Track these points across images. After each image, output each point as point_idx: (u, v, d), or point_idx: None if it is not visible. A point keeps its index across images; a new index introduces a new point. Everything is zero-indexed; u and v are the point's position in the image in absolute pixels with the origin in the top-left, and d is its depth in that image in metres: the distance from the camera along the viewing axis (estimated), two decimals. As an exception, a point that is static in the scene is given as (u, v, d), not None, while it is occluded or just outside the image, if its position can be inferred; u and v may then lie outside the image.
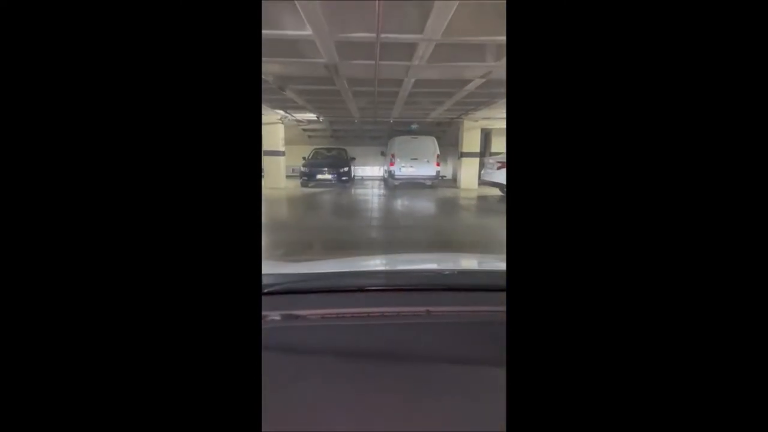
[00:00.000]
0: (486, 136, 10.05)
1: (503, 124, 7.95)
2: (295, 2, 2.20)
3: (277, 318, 0.64)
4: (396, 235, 4.35)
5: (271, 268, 0.86)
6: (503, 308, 0.38)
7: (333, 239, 4.14)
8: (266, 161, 8.42)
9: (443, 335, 0.61)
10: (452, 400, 0.47)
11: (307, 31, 2.66)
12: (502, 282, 0.39)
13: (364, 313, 0.67)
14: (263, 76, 4.00)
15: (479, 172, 8.87)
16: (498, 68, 3.56)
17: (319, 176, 9.20)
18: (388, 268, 1.13)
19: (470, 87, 4.57)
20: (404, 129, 9.56)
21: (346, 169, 9.52)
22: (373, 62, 3.38)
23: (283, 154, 8.89)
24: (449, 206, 6.82)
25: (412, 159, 9.02)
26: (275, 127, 8.44)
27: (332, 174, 9.23)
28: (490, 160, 7.70)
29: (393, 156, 9.11)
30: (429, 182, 9.29)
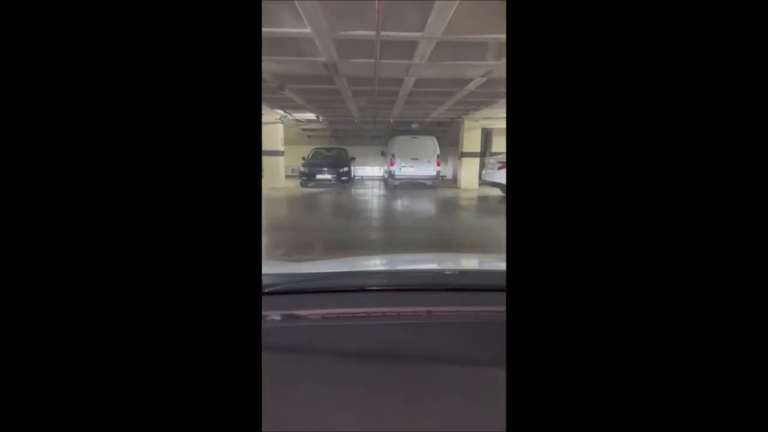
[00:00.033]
0: (486, 135, 10.02)
1: (504, 124, 7.90)
2: (294, 1, 2.16)
3: (278, 318, 0.64)
4: (396, 235, 4.34)
5: (271, 268, 0.86)
6: (503, 308, 0.38)
7: (333, 239, 4.14)
8: (265, 161, 8.38)
9: (444, 335, 0.61)
10: (452, 400, 0.46)
11: (306, 29, 2.62)
12: (502, 282, 0.39)
13: (364, 313, 0.67)
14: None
15: (480, 173, 8.84)
16: (499, 67, 3.53)
17: (319, 176, 9.17)
18: (388, 268, 1.13)
19: (471, 86, 4.53)
20: (404, 129, 9.54)
21: (345, 169, 9.48)
22: (373, 61, 3.35)
23: (282, 154, 8.87)
24: (450, 207, 6.80)
25: (412, 159, 8.99)
26: (274, 127, 8.42)
27: (332, 174, 9.20)
28: (491, 160, 7.68)
29: (393, 156, 9.08)
30: (429, 182, 9.26)
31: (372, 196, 8.02)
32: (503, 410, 0.34)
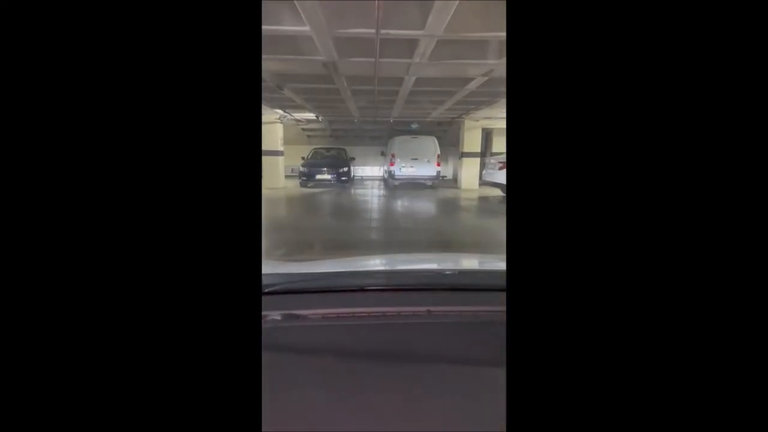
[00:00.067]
0: (487, 135, 10.00)
1: (504, 124, 7.88)
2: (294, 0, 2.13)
3: (278, 318, 0.64)
4: (396, 236, 4.31)
5: (271, 267, 0.86)
6: (503, 308, 0.38)
7: (332, 239, 4.11)
8: (265, 161, 8.35)
9: (444, 335, 0.61)
10: (452, 400, 0.46)
11: (305, 27, 2.58)
12: (502, 282, 0.39)
13: (364, 313, 0.67)
14: (261, 74, 3.91)
15: (480, 173, 8.82)
16: (500, 66, 3.50)
17: (318, 176, 9.14)
18: (388, 267, 1.12)
19: (472, 86, 4.51)
20: (404, 129, 9.52)
21: (345, 169, 9.46)
22: (373, 60, 3.31)
23: (281, 153, 8.85)
24: (450, 207, 6.78)
25: (412, 159, 8.97)
26: (274, 127, 8.39)
27: (331, 174, 9.18)
28: (492, 161, 7.66)
29: (393, 156, 9.06)
30: (429, 182, 9.24)
31: (372, 196, 8.00)
32: (503, 410, 0.34)
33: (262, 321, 0.61)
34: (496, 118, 8.04)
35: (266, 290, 0.72)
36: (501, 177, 6.86)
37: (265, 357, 0.38)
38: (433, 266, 1.15)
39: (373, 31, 2.62)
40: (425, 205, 6.89)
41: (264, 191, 7.51)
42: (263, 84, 4.36)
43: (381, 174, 11.50)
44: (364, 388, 0.49)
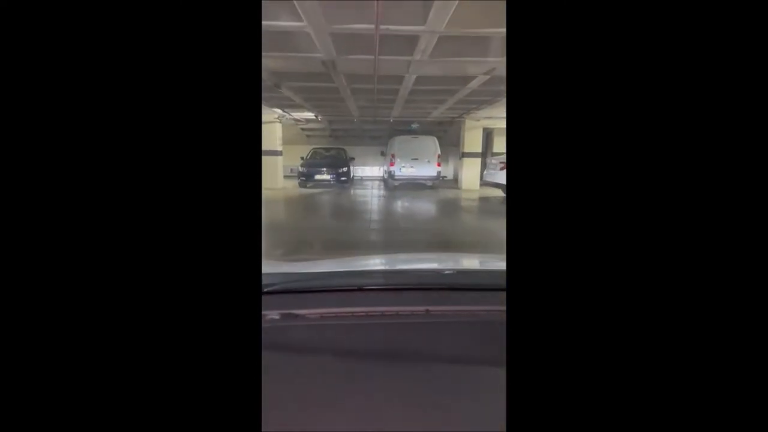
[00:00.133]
0: (488, 135, 9.94)
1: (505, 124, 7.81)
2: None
3: (276, 317, 0.64)
4: (396, 237, 4.28)
5: (270, 267, 0.85)
6: (502, 308, 0.38)
7: (332, 239, 4.10)
8: (263, 161, 8.24)
9: (442, 335, 0.61)
10: (452, 400, 0.46)
11: (302, 22, 2.50)
12: (501, 281, 0.40)
13: (363, 313, 0.67)
14: (258, 72, 3.85)
15: (481, 173, 8.76)
16: (502, 64, 3.43)
17: (318, 176, 9.08)
18: (387, 267, 1.11)
19: (473, 84, 4.44)
20: (405, 128, 9.48)
21: (345, 169, 9.38)
22: (373, 57, 3.23)
23: (280, 153, 8.79)
24: (451, 208, 6.74)
25: (412, 159, 8.90)
26: (272, 126, 8.33)
27: (331, 174, 9.11)
28: (493, 161, 7.61)
29: (393, 156, 8.99)
30: (430, 183, 9.18)
31: (371, 197, 7.94)
32: (503, 410, 0.34)
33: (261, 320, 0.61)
34: (497, 117, 7.96)
35: (265, 290, 0.71)
36: (502, 177, 6.79)
37: (264, 356, 0.38)
38: (432, 266, 1.15)
39: (373, 26, 2.53)
40: (425, 206, 6.84)
41: (263, 192, 7.43)
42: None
43: (381, 174, 11.45)
44: (363, 388, 0.48)
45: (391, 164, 9.01)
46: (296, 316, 0.65)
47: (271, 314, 0.64)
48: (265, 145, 8.19)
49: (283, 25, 2.56)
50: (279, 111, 7.45)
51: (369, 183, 10.97)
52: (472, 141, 9.10)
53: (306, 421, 0.43)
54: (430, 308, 0.68)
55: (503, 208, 6.05)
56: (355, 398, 0.47)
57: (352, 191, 8.72)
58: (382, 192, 8.77)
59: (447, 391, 0.48)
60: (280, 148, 8.73)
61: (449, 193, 8.51)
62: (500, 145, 10.04)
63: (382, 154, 10.39)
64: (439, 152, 9.00)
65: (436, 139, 9.09)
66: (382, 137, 10.82)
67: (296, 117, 8.36)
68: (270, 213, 5.65)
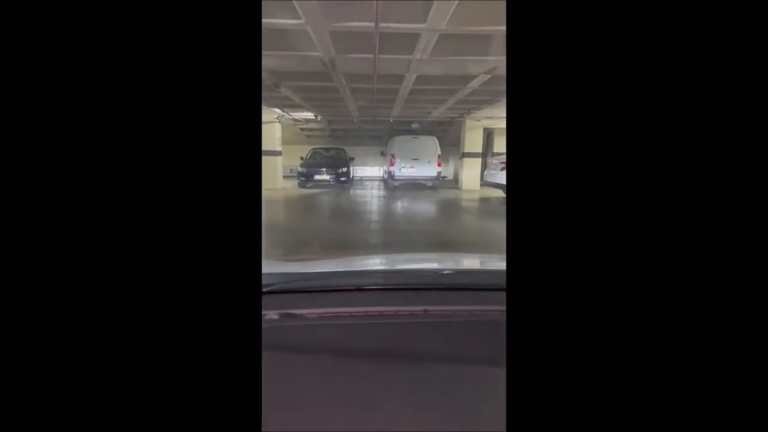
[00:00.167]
0: (488, 135, 9.89)
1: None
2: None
3: (275, 317, 0.64)
4: (396, 238, 4.24)
5: (269, 267, 0.85)
6: (500, 307, 0.42)
7: (332, 240, 4.08)
8: (263, 161, 8.21)
9: (441, 334, 0.61)
10: (451, 400, 0.46)
11: (300, 20, 2.45)
12: (499, 281, 0.41)
13: (362, 312, 0.67)
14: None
15: (482, 173, 8.71)
16: (503, 63, 3.37)
17: (317, 177, 9.03)
18: (386, 267, 1.11)
19: (474, 84, 4.39)
20: (405, 128, 9.44)
21: (344, 169, 9.33)
22: (372, 56, 3.18)
23: (280, 154, 8.73)
24: (451, 208, 6.70)
25: (412, 159, 8.85)
26: (272, 126, 8.27)
27: (330, 174, 9.05)
28: (494, 161, 7.57)
29: (393, 156, 8.94)
30: (430, 183, 9.13)
31: (371, 197, 7.89)
32: (503, 410, 0.34)
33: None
34: (498, 117, 7.91)
35: (264, 289, 0.70)
36: (503, 178, 6.75)
37: (263, 356, 0.38)
38: (430, 266, 1.16)
39: (372, 24, 2.48)
40: (426, 207, 6.79)
41: (262, 192, 7.42)
42: (259, 82, 4.25)
43: (381, 174, 11.40)
44: (362, 388, 0.48)
45: (391, 164, 8.97)
46: (295, 316, 0.65)
47: (270, 314, 0.64)
48: (265, 145, 8.15)
49: (281, 23, 2.50)
50: (278, 111, 7.40)
51: (369, 183, 10.92)
52: (473, 141, 9.04)
53: (305, 421, 0.43)
54: (429, 308, 0.67)
55: (504, 209, 6.10)
56: (354, 398, 0.46)
57: (351, 191, 8.67)
58: (381, 192, 8.72)
59: (447, 391, 0.47)
60: (279, 148, 8.67)
61: (449, 194, 8.47)
62: (501, 145, 10.01)
63: (382, 154, 10.35)
64: (439, 152, 8.96)
65: (436, 139, 9.04)
66: (382, 137, 10.77)
67: (295, 117, 8.31)
68: (269, 213, 5.60)
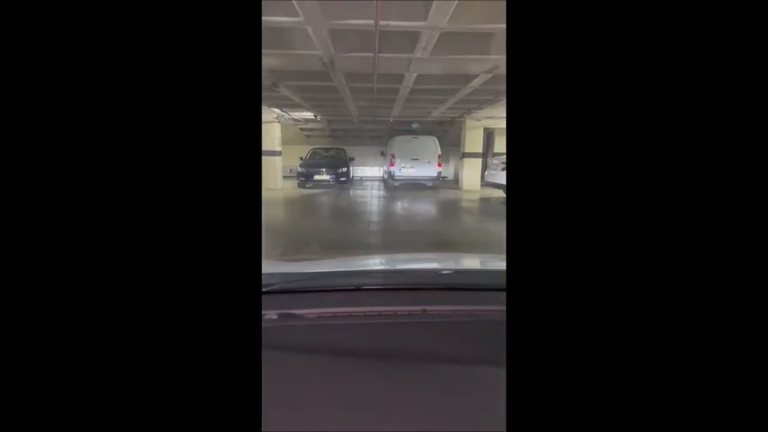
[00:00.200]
0: (489, 135, 9.87)
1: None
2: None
3: (274, 317, 0.64)
4: (396, 239, 4.22)
5: (268, 267, 0.84)
6: (499, 307, 0.42)
7: (331, 240, 4.06)
8: (262, 161, 8.18)
9: (440, 334, 0.61)
10: (450, 400, 0.46)
11: (298, 18, 2.41)
12: (498, 281, 0.44)
13: (360, 312, 0.67)
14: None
15: (482, 174, 8.69)
16: (504, 62, 3.32)
17: (317, 177, 9.00)
18: (385, 267, 1.11)
19: (475, 83, 4.36)
20: (405, 128, 9.41)
21: (344, 169, 9.30)
22: (372, 55, 3.14)
23: (279, 154, 8.70)
24: (452, 209, 6.68)
25: (412, 159, 8.82)
26: (271, 126, 8.24)
27: (330, 174, 9.02)
28: (494, 161, 7.55)
29: (393, 156, 8.91)
30: (430, 183, 9.10)
31: (371, 197, 7.86)
32: (503, 410, 0.34)
33: None
34: (499, 117, 7.89)
35: (263, 289, 0.70)
36: (503, 178, 6.72)
37: (263, 356, 0.38)
38: (430, 266, 1.16)
39: (372, 22, 2.44)
40: (426, 207, 6.77)
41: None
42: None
43: (381, 174, 11.37)
44: (362, 388, 0.48)
45: (391, 164, 8.94)
46: (294, 315, 0.65)
47: (269, 314, 0.64)
48: (264, 146, 8.11)
49: (279, 21, 2.48)
50: (277, 111, 7.38)
51: (369, 183, 10.89)
52: (473, 141, 9.02)
53: (305, 421, 0.43)
54: (428, 308, 0.68)
55: (504, 210, 6.10)
56: (353, 398, 0.46)
57: (351, 192, 8.64)
58: (381, 192, 8.69)
59: (446, 391, 0.47)
60: (278, 149, 8.64)
61: (450, 194, 8.44)
62: (501, 145, 10.00)
63: (382, 154, 10.32)
64: (439, 152, 8.93)
65: (436, 139, 9.01)
66: (382, 137, 10.75)
67: (295, 117, 8.28)
68: (268, 214, 5.57)
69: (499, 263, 0.97)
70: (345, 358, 0.54)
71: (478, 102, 6.01)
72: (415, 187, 9.04)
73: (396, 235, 4.41)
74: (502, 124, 8.66)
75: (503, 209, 6.04)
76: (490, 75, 3.89)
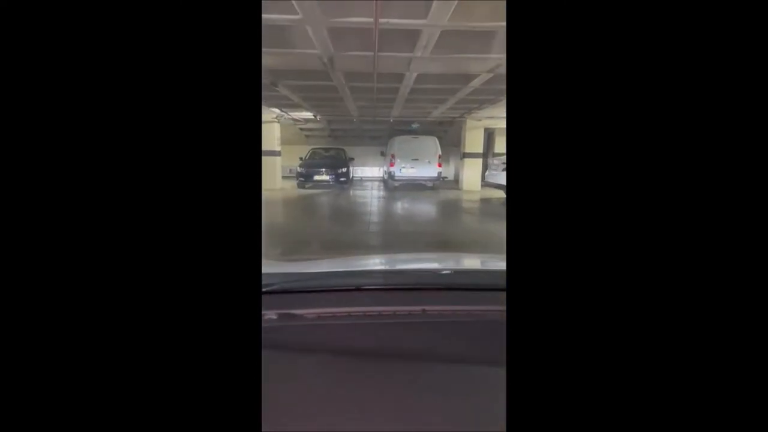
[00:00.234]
0: (489, 136, 9.84)
1: (507, 124, 7.71)
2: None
3: (274, 317, 0.64)
4: (397, 240, 4.20)
5: (268, 267, 0.84)
6: (499, 307, 0.42)
7: (331, 241, 4.04)
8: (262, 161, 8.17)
9: (439, 334, 0.61)
10: (450, 400, 0.46)
11: (297, 16, 2.38)
12: (497, 281, 0.44)
13: (360, 312, 0.67)
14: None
15: (483, 174, 8.66)
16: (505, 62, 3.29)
17: (317, 177, 8.97)
18: (384, 267, 1.11)
19: (476, 83, 4.33)
20: (405, 128, 9.39)
21: (344, 169, 9.28)
22: (372, 53, 3.11)
23: (279, 154, 8.68)
24: (452, 209, 6.66)
25: (412, 159, 8.79)
26: (271, 126, 8.21)
27: (330, 175, 8.99)
28: (495, 161, 7.53)
29: (393, 156, 8.88)
30: (430, 183, 9.07)
31: (371, 198, 7.83)
32: (503, 410, 0.34)
33: None
34: (499, 117, 7.86)
35: (263, 289, 0.70)
36: (504, 178, 6.69)
37: (262, 356, 0.38)
38: (429, 266, 1.16)
39: (372, 20, 2.41)
40: (426, 207, 6.75)
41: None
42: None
43: (380, 175, 11.34)
44: (361, 387, 0.48)
45: (391, 165, 8.90)
46: (294, 315, 0.65)
47: (268, 314, 0.64)
48: (264, 146, 8.08)
49: (278, 18, 2.44)
50: (277, 110, 7.35)
51: (369, 184, 10.86)
52: (474, 141, 8.99)
53: (302, 421, 0.43)
54: (427, 308, 0.68)
55: (505, 210, 6.13)
56: (353, 398, 0.46)
57: (351, 192, 8.62)
58: (381, 193, 8.67)
59: (446, 391, 0.47)
60: (278, 149, 8.61)
61: (450, 194, 8.41)
62: (502, 145, 9.97)
63: (382, 154, 10.29)
64: (439, 152, 8.90)
65: (436, 139, 8.98)
66: (381, 137, 10.72)
67: (295, 117, 8.25)
68: (268, 214, 5.55)
69: (499, 263, 0.97)
70: (345, 358, 0.54)
71: (478, 102, 5.98)
72: (415, 187, 9.02)
73: (396, 236, 4.39)
74: (503, 124, 8.64)
75: (504, 210, 6.03)
76: (491, 74, 3.86)
